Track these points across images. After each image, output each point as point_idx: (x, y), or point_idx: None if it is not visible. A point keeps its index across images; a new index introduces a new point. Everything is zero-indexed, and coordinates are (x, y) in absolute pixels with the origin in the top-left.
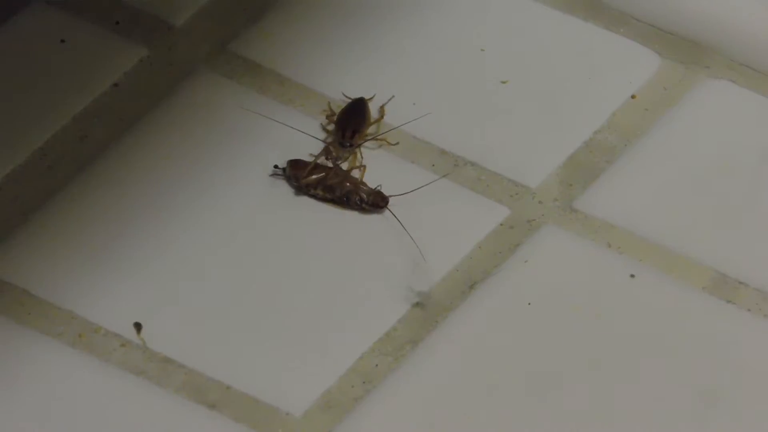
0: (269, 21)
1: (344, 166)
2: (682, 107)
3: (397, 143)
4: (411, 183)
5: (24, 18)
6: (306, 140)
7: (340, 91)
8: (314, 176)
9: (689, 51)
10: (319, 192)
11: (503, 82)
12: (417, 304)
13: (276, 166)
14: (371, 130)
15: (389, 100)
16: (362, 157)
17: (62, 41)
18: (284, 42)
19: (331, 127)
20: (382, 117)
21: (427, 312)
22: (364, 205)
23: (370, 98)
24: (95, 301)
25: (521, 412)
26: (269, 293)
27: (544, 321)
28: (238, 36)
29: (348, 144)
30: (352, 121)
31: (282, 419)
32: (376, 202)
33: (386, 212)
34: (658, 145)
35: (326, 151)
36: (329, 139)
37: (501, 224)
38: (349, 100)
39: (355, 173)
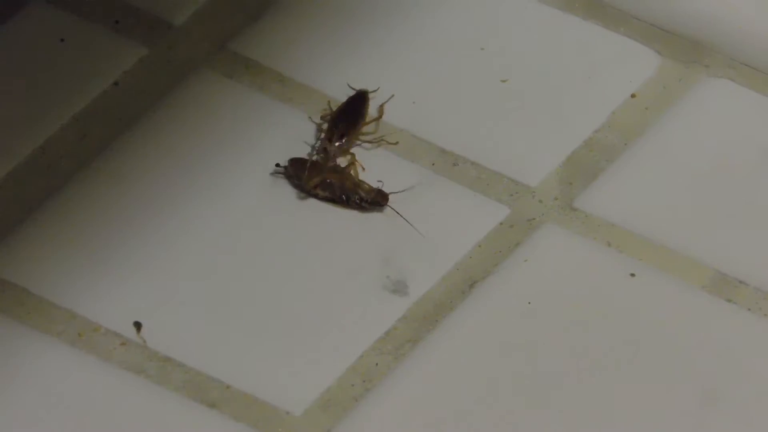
0: (269, 20)
1: (341, 164)
2: (682, 106)
3: (397, 143)
4: (411, 182)
5: (24, 17)
6: (307, 139)
7: (341, 89)
8: (315, 173)
9: (689, 50)
10: (319, 191)
11: (503, 81)
12: (417, 303)
13: (278, 164)
14: (371, 128)
15: (389, 99)
16: (355, 157)
17: (62, 40)
18: (284, 41)
19: (326, 126)
20: (380, 116)
21: (427, 311)
22: (363, 203)
23: (374, 91)
24: (95, 300)
25: (521, 411)
26: (269, 292)
27: (544, 320)
28: (238, 35)
29: (336, 144)
30: (344, 122)
31: (282, 418)
32: (376, 200)
33: (386, 211)
34: (658, 144)
35: (321, 150)
36: (322, 137)
37: (501, 223)
38: (353, 92)
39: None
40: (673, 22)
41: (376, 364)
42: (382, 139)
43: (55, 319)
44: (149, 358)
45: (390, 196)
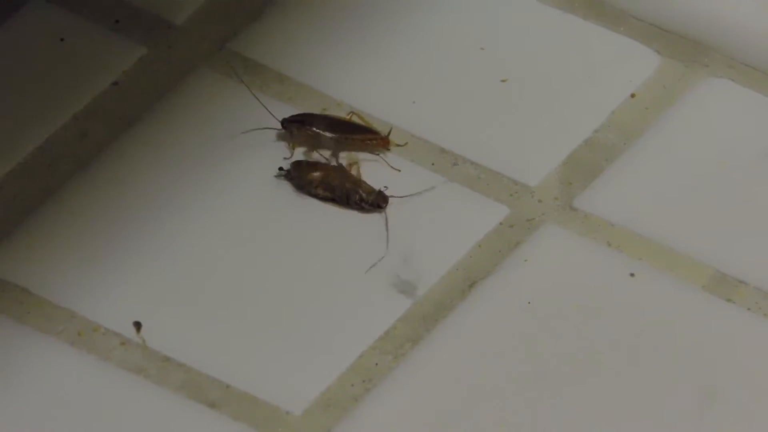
0: (269, 19)
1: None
2: (681, 106)
3: (406, 143)
4: (411, 182)
5: (24, 17)
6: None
7: (341, 89)
8: (317, 173)
9: (689, 49)
10: (320, 191)
11: (503, 81)
12: (417, 303)
13: (281, 168)
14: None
15: (389, 132)
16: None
17: (62, 40)
18: (284, 40)
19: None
20: (387, 148)
21: (427, 311)
22: (363, 204)
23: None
24: (95, 300)
25: (521, 411)
26: (269, 292)
27: (544, 320)
28: (237, 34)
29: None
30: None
31: (282, 418)
32: (376, 202)
33: (388, 211)
34: (658, 143)
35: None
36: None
37: (501, 223)
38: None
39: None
40: (673, 22)
41: (376, 363)
42: (387, 137)
43: (55, 319)
44: (149, 358)
45: (390, 199)
